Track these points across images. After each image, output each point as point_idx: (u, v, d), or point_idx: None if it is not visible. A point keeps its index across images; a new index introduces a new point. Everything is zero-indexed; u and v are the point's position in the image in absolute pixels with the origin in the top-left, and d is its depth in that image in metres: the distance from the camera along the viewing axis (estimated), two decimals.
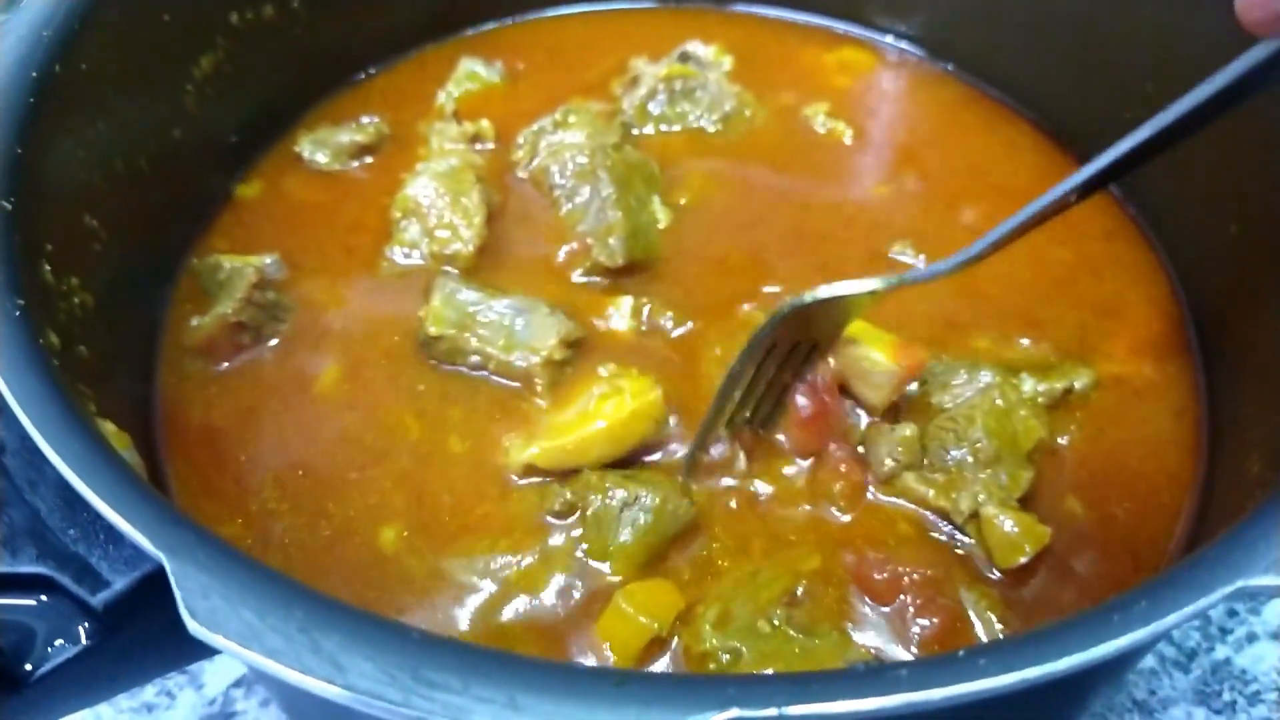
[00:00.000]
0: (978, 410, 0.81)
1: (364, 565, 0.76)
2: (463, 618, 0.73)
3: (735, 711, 0.44)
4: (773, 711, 0.45)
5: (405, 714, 0.45)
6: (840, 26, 1.23)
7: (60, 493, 0.55)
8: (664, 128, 1.10)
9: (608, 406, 0.80)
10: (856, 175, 1.07)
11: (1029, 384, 0.85)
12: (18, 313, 0.63)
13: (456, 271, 0.93)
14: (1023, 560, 0.74)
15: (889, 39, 1.22)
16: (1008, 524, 0.75)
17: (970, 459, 0.79)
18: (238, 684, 0.91)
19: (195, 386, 0.87)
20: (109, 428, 0.66)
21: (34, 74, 0.76)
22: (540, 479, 0.80)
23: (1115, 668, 0.75)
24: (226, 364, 0.88)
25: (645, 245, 0.95)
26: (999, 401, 0.82)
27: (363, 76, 1.17)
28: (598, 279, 0.94)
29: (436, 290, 0.88)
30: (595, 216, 0.95)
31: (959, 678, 0.46)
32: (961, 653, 0.48)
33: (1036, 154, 1.10)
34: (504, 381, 0.86)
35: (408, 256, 0.95)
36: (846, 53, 1.20)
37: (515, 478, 0.80)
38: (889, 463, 0.79)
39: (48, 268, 0.71)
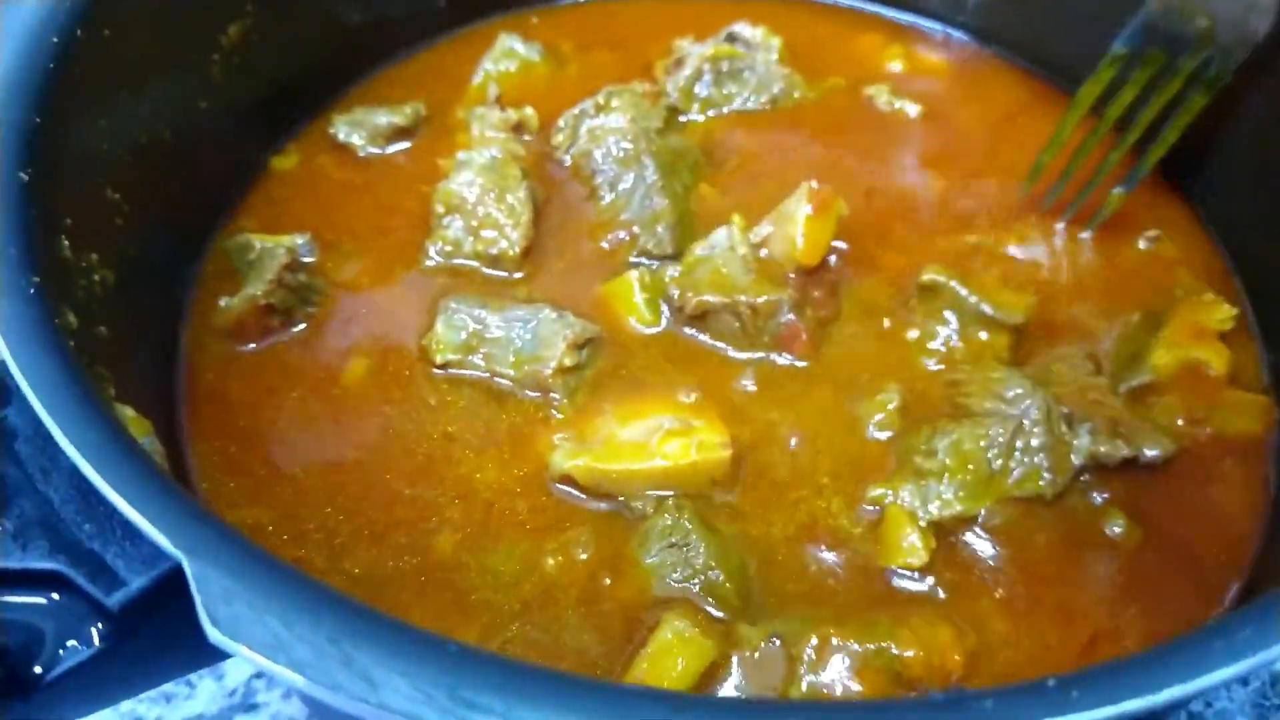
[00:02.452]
0: (970, 431, 0.75)
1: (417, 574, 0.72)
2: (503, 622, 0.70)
3: None
4: None
5: None
6: (898, 15, 1.18)
7: (75, 483, 0.52)
8: (711, 112, 1.05)
9: (670, 446, 0.74)
10: (916, 156, 1.01)
11: (1083, 439, 0.76)
12: (33, 290, 0.59)
13: (501, 272, 0.89)
14: (887, 565, 0.72)
15: (948, 29, 1.17)
16: (908, 536, 0.72)
17: (928, 464, 0.75)
18: (259, 674, 0.88)
19: (221, 370, 0.83)
20: (128, 413, 0.62)
21: (55, 39, 0.73)
22: (573, 490, 0.76)
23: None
24: (254, 345, 0.84)
25: (692, 233, 0.90)
26: (1005, 437, 0.75)
27: (397, 57, 1.13)
28: (646, 262, 0.90)
29: (440, 315, 0.83)
30: (640, 204, 0.91)
31: (1049, 710, 0.42)
32: (1051, 682, 0.43)
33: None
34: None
35: (450, 255, 0.90)
36: (905, 43, 1.14)
37: (552, 482, 0.76)
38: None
39: (66, 243, 0.68)
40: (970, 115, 1.07)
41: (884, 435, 0.78)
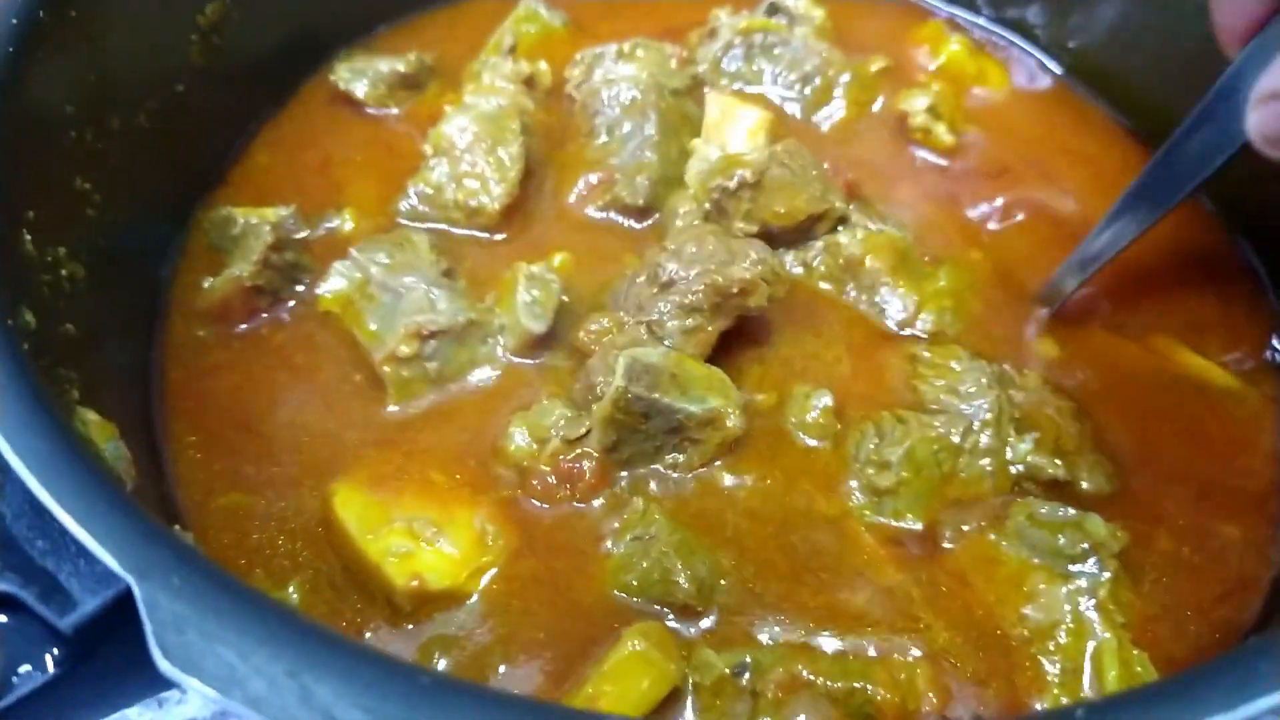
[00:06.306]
0: (920, 434, 0.71)
1: None
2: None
3: None
4: None
5: None
6: (951, 10, 1.14)
7: (27, 496, 0.48)
8: (739, 86, 1.00)
9: (392, 558, 0.64)
10: (953, 195, 0.94)
11: (1025, 444, 0.72)
12: None
13: (480, 232, 0.85)
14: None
15: (1005, 31, 1.12)
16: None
17: (871, 469, 0.71)
18: None
19: (204, 355, 0.79)
20: (91, 417, 0.58)
21: (14, 20, 0.68)
22: None
23: None
24: (244, 326, 0.80)
25: (669, 197, 0.87)
26: (954, 438, 0.71)
27: (403, 19, 1.10)
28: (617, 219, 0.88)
29: (338, 261, 0.78)
30: (631, 153, 0.89)
31: None
32: (1080, 712, 0.39)
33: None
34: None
35: (430, 201, 0.86)
36: (952, 37, 1.08)
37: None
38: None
39: (28, 236, 0.64)
40: (1018, 144, 1.00)
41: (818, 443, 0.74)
